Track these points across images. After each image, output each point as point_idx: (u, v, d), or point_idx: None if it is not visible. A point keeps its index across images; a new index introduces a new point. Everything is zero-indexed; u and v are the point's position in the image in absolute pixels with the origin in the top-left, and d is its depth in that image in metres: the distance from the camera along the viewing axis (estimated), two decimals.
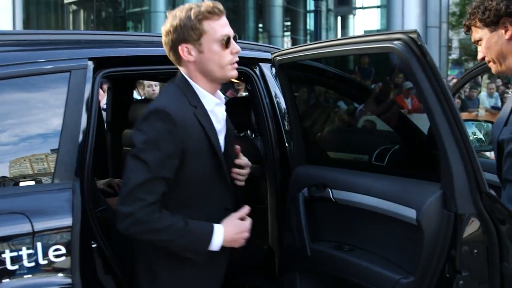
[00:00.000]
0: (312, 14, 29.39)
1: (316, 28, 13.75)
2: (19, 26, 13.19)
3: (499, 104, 11.40)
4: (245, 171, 2.06)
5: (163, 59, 2.30)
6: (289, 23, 29.82)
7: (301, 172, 2.49)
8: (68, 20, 22.31)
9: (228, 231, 1.82)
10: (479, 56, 2.01)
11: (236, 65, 1.86)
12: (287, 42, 29.47)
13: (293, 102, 2.54)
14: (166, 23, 1.81)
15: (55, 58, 2.12)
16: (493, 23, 1.90)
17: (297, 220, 2.36)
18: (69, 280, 1.90)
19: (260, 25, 26.44)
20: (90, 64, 2.16)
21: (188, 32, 1.76)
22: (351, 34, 33.79)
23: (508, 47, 1.91)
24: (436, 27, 22.42)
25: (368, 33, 2.00)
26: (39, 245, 1.86)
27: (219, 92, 1.95)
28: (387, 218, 1.92)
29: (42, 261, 1.87)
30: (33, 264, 1.86)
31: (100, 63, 2.20)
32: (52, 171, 2.00)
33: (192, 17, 1.75)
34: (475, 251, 1.70)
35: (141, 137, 1.70)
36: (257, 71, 2.75)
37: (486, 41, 1.95)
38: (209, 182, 1.85)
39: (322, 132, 2.73)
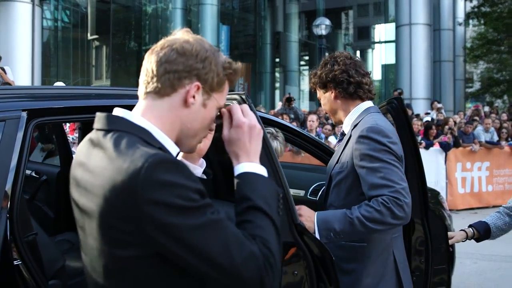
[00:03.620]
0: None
1: None
2: (38, 63, 14.04)
3: (495, 138, 11.61)
4: None
5: (87, 110, 2.82)
6: (307, 57, 30.50)
7: None
8: (92, 55, 23.33)
9: None
10: (324, 111, 2.57)
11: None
12: (305, 76, 30.09)
13: None
14: (186, 41, 1.36)
15: None
16: (323, 87, 2.45)
17: None
18: None
19: (277, 60, 27.16)
20: (24, 114, 2.66)
21: (212, 76, 1.37)
22: (369, 68, 34.22)
23: (335, 105, 2.46)
24: (449, 61, 22.73)
25: None
26: None
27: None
28: None
29: None
30: None
31: (32, 113, 2.70)
32: None
33: (222, 64, 1.40)
34: (295, 272, 2.10)
35: (169, 211, 1.18)
36: None
37: (322, 99, 2.51)
38: None
39: (227, 170, 3.15)
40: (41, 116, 2.75)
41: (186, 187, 1.20)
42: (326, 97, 2.48)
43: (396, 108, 2.77)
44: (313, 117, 9.67)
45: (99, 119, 1.38)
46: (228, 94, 2.31)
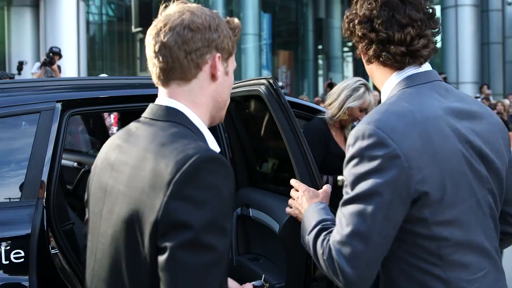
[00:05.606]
0: None
1: None
2: (84, 57, 14.36)
3: None
4: None
5: (122, 100, 2.84)
6: (350, 43, 30.01)
7: (240, 193, 2.90)
8: (136, 48, 23.71)
9: None
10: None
11: None
12: (348, 62, 29.67)
13: (234, 133, 2.96)
14: (192, 14, 1.29)
15: (28, 102, 2.67)
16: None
17: None
18: (26, 278, 2.40)
19: (320, 47, 26.86)
20: (58, 105, 2.69)
21: (227, 41, 1.33)
22: None
23: (369, 69, 1.63)
24: (499, 43, 21.90)
25: (247, 79, 2.39)
26: (2, 249, 2.39)
27: None
28: (273, 232, 2.30)
29: (4, 262, 2.38)
30: None
31: (67, 104, 2.73)
32: (20, 192, 2.54)
33: (230, 26, 1.37)
34: None
35: (194, 212, 1.10)
36: None
37: None
38: None
39: (260, 159, 3.12)
40: (76, 107, 2.78)
41: (225, 204, 1.13)
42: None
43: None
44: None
45: (153, 109, 1.33)
46: (255, 79, 2.29)
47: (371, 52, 1.50)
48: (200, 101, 1.31)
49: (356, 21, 1.50)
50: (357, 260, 1.32)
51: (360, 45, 1.53)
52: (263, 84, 2.11)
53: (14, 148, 2.64)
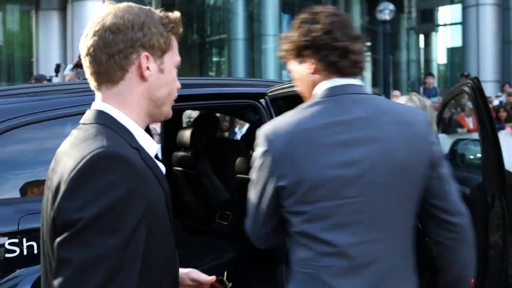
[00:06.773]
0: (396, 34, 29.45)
1: (385, 50, 14.18)
2: None
3: None
4: None
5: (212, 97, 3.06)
6: (368, 43, 30.03)
7: None
8: None
9: None
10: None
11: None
12: (367, 62, 29.70)
13: None
14: (114, 16, 1.27)
15: None
16: (298, 56, 1.76)
17: None
18: None
19: None
20: None
21: (157, 38, 1.29)
22: (433, 51, 33.34)
23: (311, 81, 1.74)
24: None
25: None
26: None
27: None
28: None
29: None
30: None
31: None
32: None
33: (160, 21, 1.31)
34: None
35: (80, 210, 1.08)
36: (264, 103, 3.41)
37: (296, 73, 1.81)
38: (164, 253, 1.30)
39: None
40: None
41: (120, 202, 1.10)
42: (301, 70, 1.77)
43: (473, 88, 2.85)
44: None
45: (85, 115, 1.32)
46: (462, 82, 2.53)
47: (332, 57, 1.67)
48: (129, 101, 1.29)
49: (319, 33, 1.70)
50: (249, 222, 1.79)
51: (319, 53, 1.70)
52: (469, 84, 2.34)
53: None
